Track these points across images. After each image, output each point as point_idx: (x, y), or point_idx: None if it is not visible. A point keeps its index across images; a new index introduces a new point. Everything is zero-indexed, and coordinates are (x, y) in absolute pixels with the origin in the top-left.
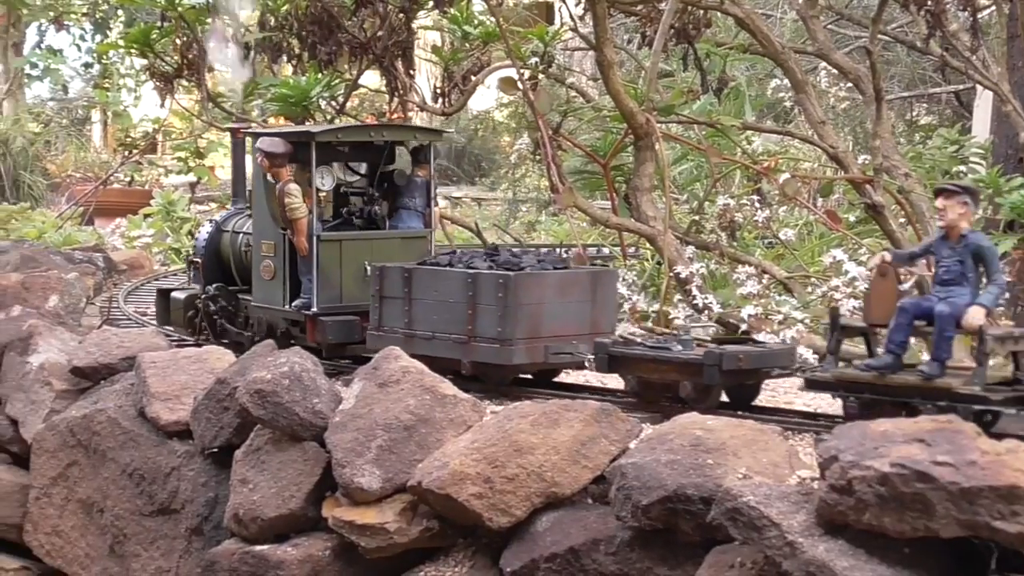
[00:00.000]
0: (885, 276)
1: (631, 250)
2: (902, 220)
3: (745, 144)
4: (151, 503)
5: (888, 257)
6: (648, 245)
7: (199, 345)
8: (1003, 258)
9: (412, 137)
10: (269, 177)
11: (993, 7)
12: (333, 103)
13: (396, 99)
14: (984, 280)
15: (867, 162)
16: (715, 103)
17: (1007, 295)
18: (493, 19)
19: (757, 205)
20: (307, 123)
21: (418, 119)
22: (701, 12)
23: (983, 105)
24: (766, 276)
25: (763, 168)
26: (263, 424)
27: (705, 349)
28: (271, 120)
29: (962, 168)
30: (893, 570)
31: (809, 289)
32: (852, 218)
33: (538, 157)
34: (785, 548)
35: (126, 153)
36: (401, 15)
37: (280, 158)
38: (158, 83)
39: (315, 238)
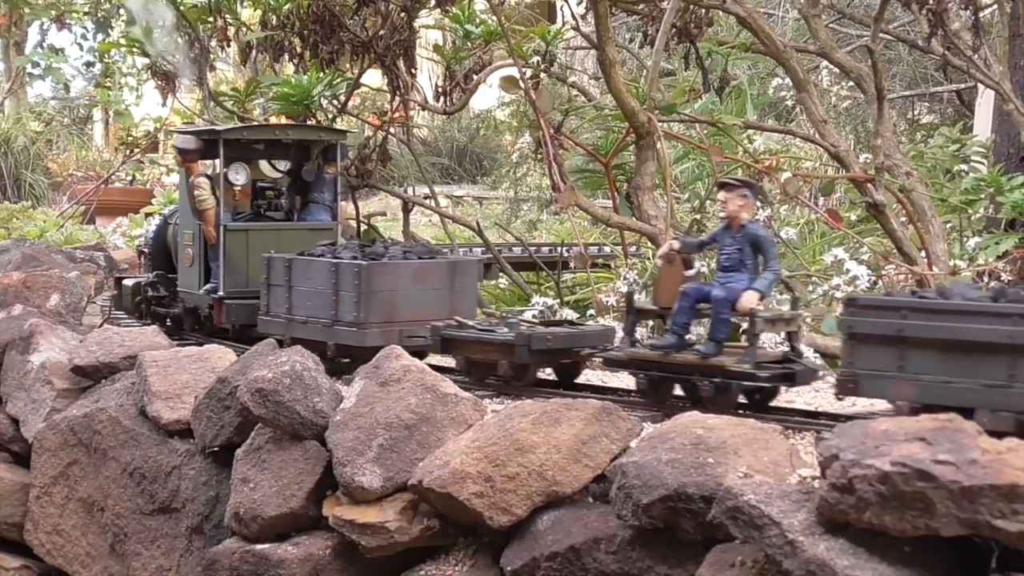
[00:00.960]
0: (672, 263)
1: (632, 249)
2: (903, 219)
3: (747, 143)
4: (152, 502)
5: (676, 245)
6: (650, 244)
7: (145, 326)
8: (1003, 257)
9: (317, 137)
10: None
11: (995, 6)
12: (335, 102)
13: (398, 98)
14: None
15: (868, 161)
16: (717, 102)
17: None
18: (495, 18)
19: (758, 204)
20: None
21: (419, 118)
22: (703, 11)
23: (985, 104)
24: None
25: (765, 167)
26: (264, 423)
27: (519, 331)
28: (272, 119)
29: (963, 167)
30: (894, 569)
31: (810, 288)
32: (853, 217)
33: (539, 156)
34: (786, 547)
35: (127, 152)
36: (403, 14)
37: (191, 154)
38: (159, 82)
39: (223, 228)
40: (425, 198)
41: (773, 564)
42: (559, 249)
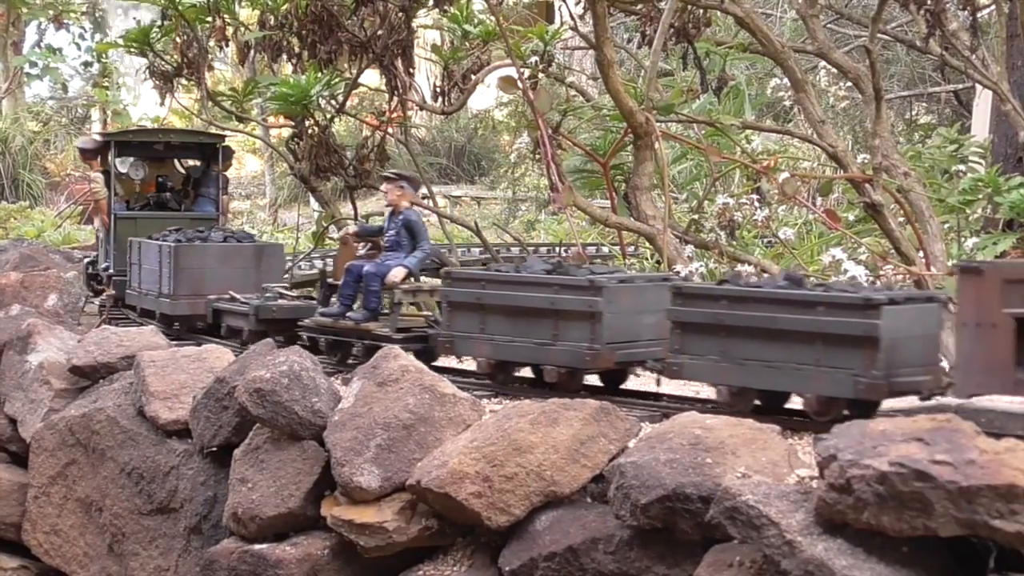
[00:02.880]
0: (347, 245)
1: (630, 249)
2: (901, 219)
3: (744, 143)
4: (150, 502)
5: (352, 230)
6: (647, 244)
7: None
8: (1002, 256)
9: (197, 140)
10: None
11: (992, 6)
12: (333, 102)
13: (396, 98)
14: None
15: (866, 161)
16: (715, 102)
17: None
18: (493, 18)
19: (756, 204)
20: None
21: (418, 118)
22: (701, 11)
23: (982, 104)
24: (765, 275)
25: (762, 167)
26: (262, 423)
27: (253, 303)
28: (270, 119)
29: (961, 167)
30: (892, 569)
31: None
32: (851, 217)
33: (538, 156)
34: (784, 547)
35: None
36: (401, 14)
37: (89, 153)
38: (157, 82)
39: (113, 216)
40: (423, 198)
41: (771, 564)
42: (557, 249)
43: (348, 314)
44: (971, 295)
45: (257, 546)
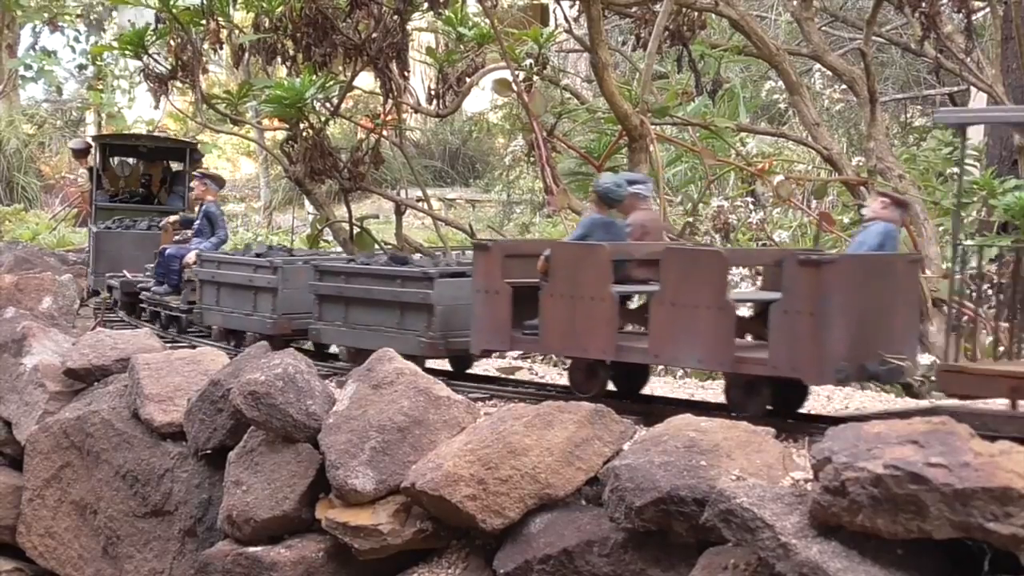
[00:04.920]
0: (167, 232)
1: None
2: None
3: (739, 146)
4: (144, 505)
5: (172, 219)
6: None
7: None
8: (996, 260)
9: (169, 144)
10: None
11: (987, 9)
12: (327, 105)
13: (390, 101)
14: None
15: (861, 164)
16: (709, 105)
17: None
18: (487, 21)
19: (751, 206)
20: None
21: (412, 121)
22: (696, 14)
23: (977, 107)
24: (761, 278)
25: (757, 170)
26: (257, 426)
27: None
28: (265, 122)
29: (955, 170)
30: (886, 572)
31: None
32: (846, 219)
33: (532, 159)
34: (778, 549)
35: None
36: (395, 17)
37: (79, 153)
38: (152, 84)
39: (94, 206)
40: (418, 201)
41: (766, 567)
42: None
43: (152, 288)
44: (481, 267)
45: (252, 549)
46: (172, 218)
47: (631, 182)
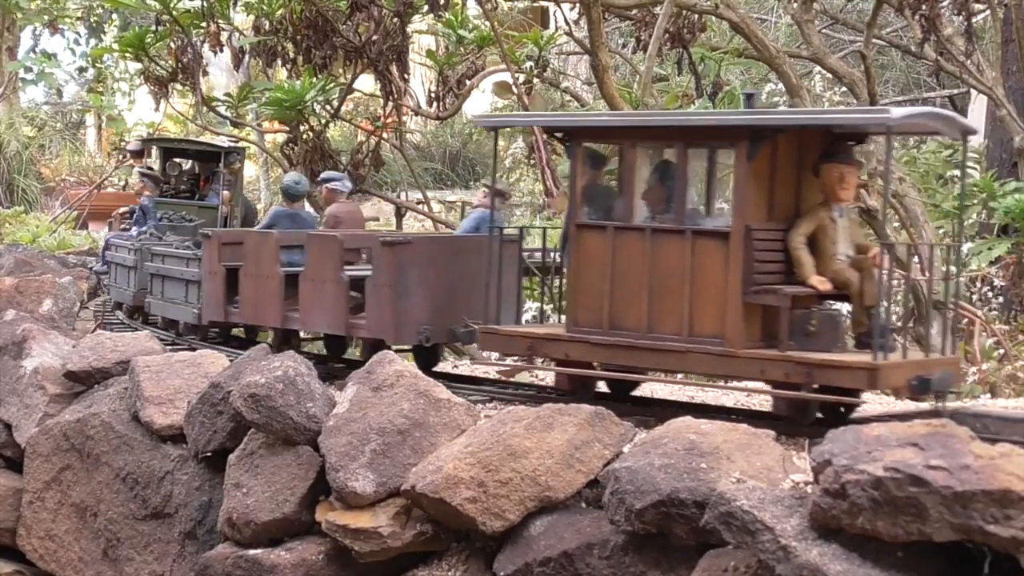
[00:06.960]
0: (116, 221)
1: None
2: (896, 224)
3: None
4: (145, 507)
5: (122, 210)
6: None
7: None
8: (996, 262)
9: (209, 148)
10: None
11: (988, 11)
12: (328, 107)
13: (391, 103)
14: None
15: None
16: (710, 107)
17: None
18: (488, 23)
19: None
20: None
21: (413, 123)
22: (696, 16)
23: (977, 109)
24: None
25: None
26: (257, 428)
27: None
28: (265, 124)
29: (956, 172)
30: (886, 574)
31: None
32: None
33: (532, 161)
34: (779, 552)
35: (120, 157)
36: (396, 19)
37: (134, 154)
38: (152, 87)
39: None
40: (418, 203)
41: (766, 569)
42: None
43: (94, 268)
44: (208, 252)
45: (252, 551)
46: (122, 209)
47: (327, 179)
